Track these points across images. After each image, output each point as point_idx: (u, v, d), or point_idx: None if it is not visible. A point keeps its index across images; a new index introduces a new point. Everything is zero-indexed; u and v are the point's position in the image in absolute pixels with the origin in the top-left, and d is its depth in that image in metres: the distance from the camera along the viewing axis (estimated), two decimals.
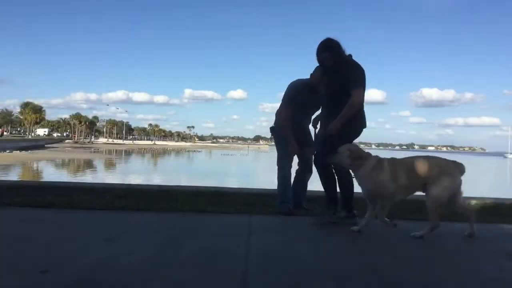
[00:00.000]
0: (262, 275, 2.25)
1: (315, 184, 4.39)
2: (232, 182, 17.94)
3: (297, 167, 4.48)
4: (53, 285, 1.99)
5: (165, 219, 3.66)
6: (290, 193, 4.25)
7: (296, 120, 4.28)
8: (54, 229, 3.19)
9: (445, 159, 3.39)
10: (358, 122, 3.74)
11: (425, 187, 3.27)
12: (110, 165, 34.74)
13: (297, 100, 4.21)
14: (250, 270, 2.34)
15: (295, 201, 4.34)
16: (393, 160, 3.42)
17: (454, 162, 3.36)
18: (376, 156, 3.45)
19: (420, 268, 2.51)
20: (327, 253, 2.78)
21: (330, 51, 3.67)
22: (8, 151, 40.90)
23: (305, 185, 4.43)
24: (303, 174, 4.42)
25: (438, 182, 3.21)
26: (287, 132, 4.23)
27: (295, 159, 4.44)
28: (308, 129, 4.44)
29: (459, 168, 3.31)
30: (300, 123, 4.35)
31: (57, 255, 2.49)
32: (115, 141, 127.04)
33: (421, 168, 3.30)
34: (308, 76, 4.23)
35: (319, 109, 4.24)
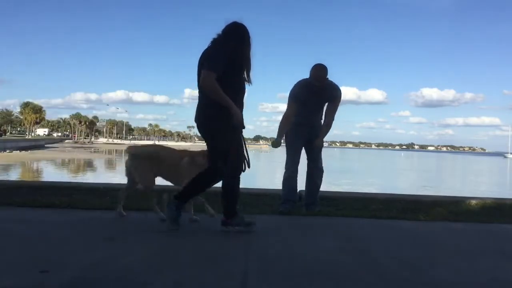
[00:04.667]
0: (262, 275, 2.25)
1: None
2: None
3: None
4: (53, 285, 1.99)
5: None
6: (292, 194, 4.31)
7: (302, 115, 4.32)
8: (54, 229, 3.19)
9: None
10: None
11: None
12: (110, 165, 34.72)
13: (297, 96, 4.28)
14: (250, 270, 2.34)
15: (306, 201, 4.41)
16: None
17: None
18: None
19: (420, 268, 2.51)
20: (327, 253, 2.77)
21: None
22: (8, 151, 40.93)
23: (315, 184, 4.41)
24: (311, 173, 4.43)
25: None
26: (281, 127, 4.34)
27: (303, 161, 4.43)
28: (318, 126, 4.45)
29: None
30: (308, 119, 4.37)
31: (57, 255, 2.49)
32: (115, 141, 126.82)
33: None
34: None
35: (324, 105, 4.34)
